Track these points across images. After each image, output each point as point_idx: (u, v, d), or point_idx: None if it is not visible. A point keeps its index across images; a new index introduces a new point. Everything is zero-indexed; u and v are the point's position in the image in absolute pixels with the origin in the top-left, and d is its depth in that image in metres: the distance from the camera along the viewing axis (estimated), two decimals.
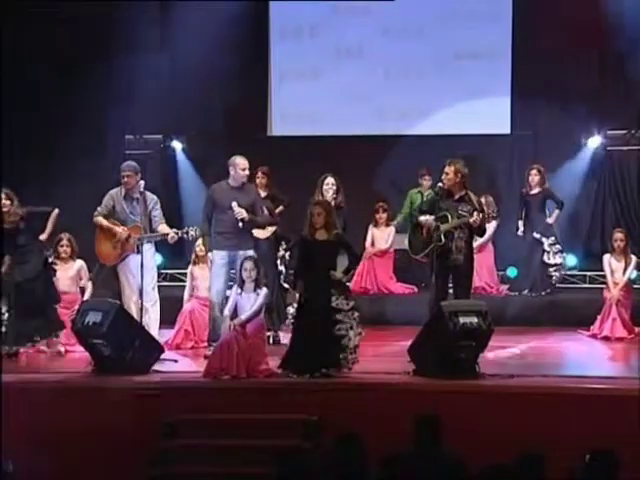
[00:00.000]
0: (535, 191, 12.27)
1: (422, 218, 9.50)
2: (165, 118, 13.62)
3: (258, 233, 10.01)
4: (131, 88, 13.16)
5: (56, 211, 10.27)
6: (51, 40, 13.09)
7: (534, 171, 12.29)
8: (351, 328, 8.43)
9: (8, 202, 9.82)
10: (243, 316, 8.59)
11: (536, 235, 12.19)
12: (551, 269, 12.15)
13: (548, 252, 12.12)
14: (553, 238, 12.19)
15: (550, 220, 12.27)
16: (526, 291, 12.24)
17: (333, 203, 10.02)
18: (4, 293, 9.43)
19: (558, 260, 12.16)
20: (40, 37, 13.09)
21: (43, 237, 10.22)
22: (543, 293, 12.15)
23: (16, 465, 6.32)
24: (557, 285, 12.27)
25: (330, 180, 10.26)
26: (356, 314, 8.51)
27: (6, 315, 9.30)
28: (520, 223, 12.37)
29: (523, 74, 13.37)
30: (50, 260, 10.15)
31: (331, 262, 8.64)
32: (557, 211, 12.31)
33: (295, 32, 13.97)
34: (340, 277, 8.63)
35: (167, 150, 13.98)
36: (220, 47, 13.24)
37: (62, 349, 9.82)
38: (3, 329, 9.30)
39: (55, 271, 10.13)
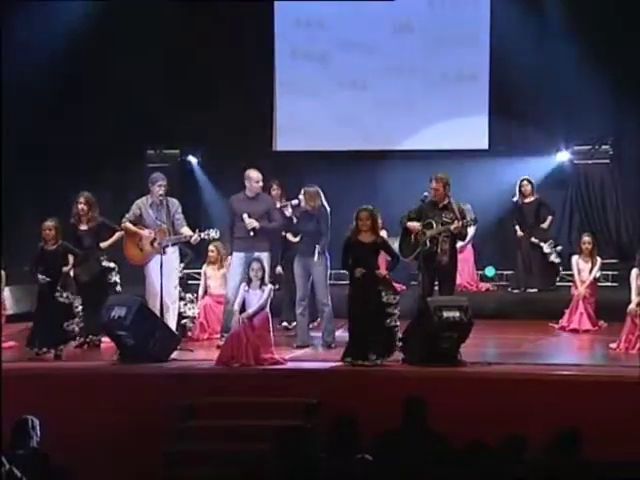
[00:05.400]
0: (529, 200, 12.23)
1: (410, 224, 9.47)
2: (182, 134, 13.60)
3: (291, 237, 10.17)
4: (151, 107, 13.16)
5: (122, 233, 9.86)
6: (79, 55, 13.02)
7: (525, 182, 12.25)
8: (398, 319, 8.48)
9: (86, 207, 9.77)
10: (250, 310, 8.61)
11: (534, 240, 12.11)
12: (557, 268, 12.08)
13: (550, 254, 12.04)
14: (551, 241, 12.14)
15: (544, 226, 12.21)
16: (533, 289, 12.09)
17: None
18: (73, 290, 9.29)
19: (560, 259, 12.06)
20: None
21: (103, 245, 9.92)
22: (552, 288, 12.05)
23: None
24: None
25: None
26: (399, 307, 8.53)
27: (80, 309, 9.19)
28: (517, 227, 12.26)
29: (500, 94, 13.34)
30: (105, 265, 9.99)
31: (375, 261, 8.70)
32: (550, 217, 12.26)
33: (300, 56, 13.85)
34: (385, 274, 8.70)
35: (184, 163, 13.93)
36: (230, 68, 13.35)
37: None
38: (75, 326, 9.11)
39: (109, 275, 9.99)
